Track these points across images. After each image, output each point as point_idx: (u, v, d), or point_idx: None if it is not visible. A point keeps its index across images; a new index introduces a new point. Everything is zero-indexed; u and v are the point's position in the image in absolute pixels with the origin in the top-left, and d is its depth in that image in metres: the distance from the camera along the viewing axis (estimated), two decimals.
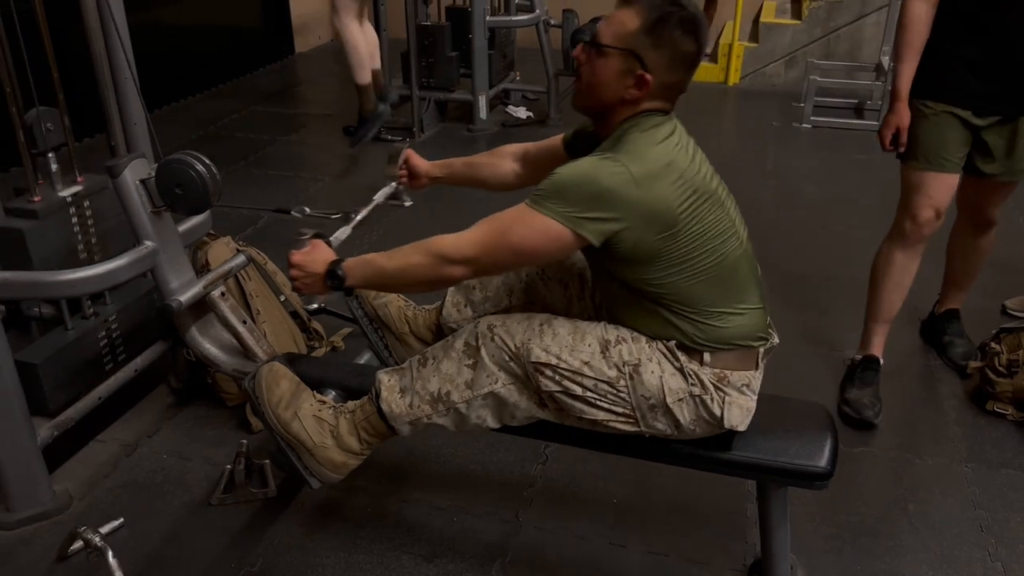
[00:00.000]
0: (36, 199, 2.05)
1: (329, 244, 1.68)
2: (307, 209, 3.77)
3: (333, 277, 1.60)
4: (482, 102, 4.96)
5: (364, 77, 4.38)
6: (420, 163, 1.98)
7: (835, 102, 5.45)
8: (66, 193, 2.12)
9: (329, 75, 6.64)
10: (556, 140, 1.86)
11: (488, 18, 4.83)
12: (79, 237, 2.14)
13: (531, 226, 1.45)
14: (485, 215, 1.52)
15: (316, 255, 1.64)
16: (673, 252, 1.47)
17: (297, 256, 1.64)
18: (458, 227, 1.53)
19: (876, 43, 5.78)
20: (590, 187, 1.42)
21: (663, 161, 1.46)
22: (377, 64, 4.50)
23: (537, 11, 4.97)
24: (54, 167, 2.09)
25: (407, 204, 2.07)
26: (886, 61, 5.14)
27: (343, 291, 1.64)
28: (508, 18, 5.16)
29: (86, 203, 2.16)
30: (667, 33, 1.46)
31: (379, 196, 1.85)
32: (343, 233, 1.68)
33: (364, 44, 4.26)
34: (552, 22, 5.08)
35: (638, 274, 1.50)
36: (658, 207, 1.43)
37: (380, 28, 4.94)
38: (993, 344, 2.50)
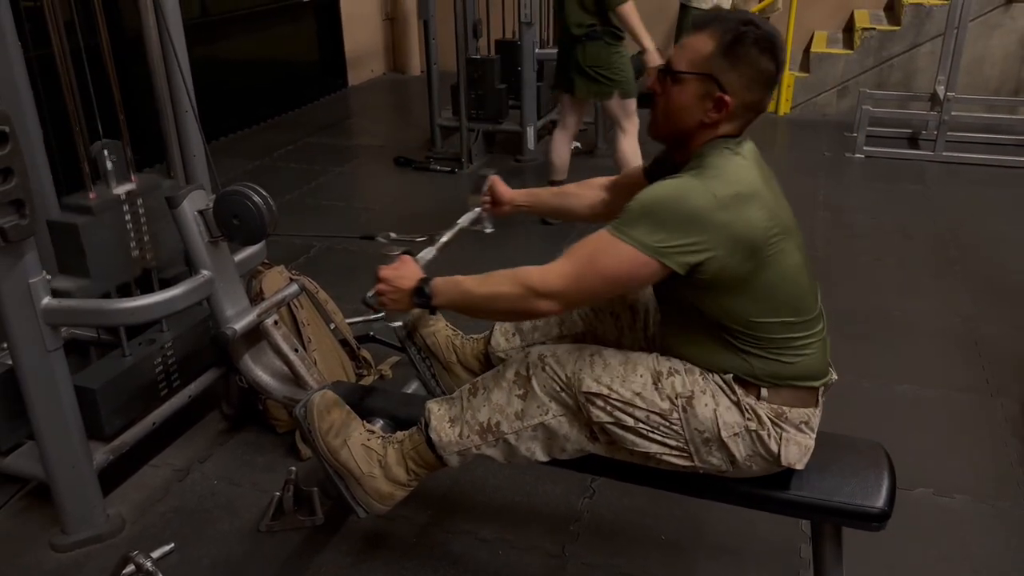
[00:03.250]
0: (92, 196, 2.10)
1: (416, 262, 1.69)
2: (392, 234, 3.71)
3: (420, 294, 1.59)
4: (530, 133, 4.99)
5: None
6: (505, 191, 1.98)
7: (889, 132, 5.37)
8: (120, 191, 2.16)
9: (381, 107, 6.77)
10: (638, 169, 1.83)
11: (537, 51, 4.87)
12: (132, 235, 2.19)
13: (618, 256, 1.41)
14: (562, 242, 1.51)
15: (405, 271, 1.63)
16: (755, 282, 1.44)
17: (386, 271, 1.63)
18: (541, 255, 1.53)
19: (930, 73, 5.69)
20: (675, 208, 1.39)
21: (749, 187, 1.44)
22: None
23: None
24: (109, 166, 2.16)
25: (488, 231, 2.00)
26: (941, 91, 5.05)
27: (428, 309, 1.64)
28: (557, 51, 5.19)
29: (139, 201, 2.19)
30: (743, 53, 1.44)
31: (463, 220, 1.88)
32: (428, 254, 1.70)
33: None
34: None
35: (716, 302, 1.46)
36: (744, 232, 1.40)
37: (431, 62, 5.03)
38: None
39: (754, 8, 5.96)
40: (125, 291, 2.20)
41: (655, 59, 3.60)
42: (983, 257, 3.68)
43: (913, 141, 5.38)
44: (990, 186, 4.62)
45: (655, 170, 1.75)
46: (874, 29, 5.87)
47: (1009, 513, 2.17)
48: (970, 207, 4.28)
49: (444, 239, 1.81)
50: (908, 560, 2.02)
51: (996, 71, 5.80)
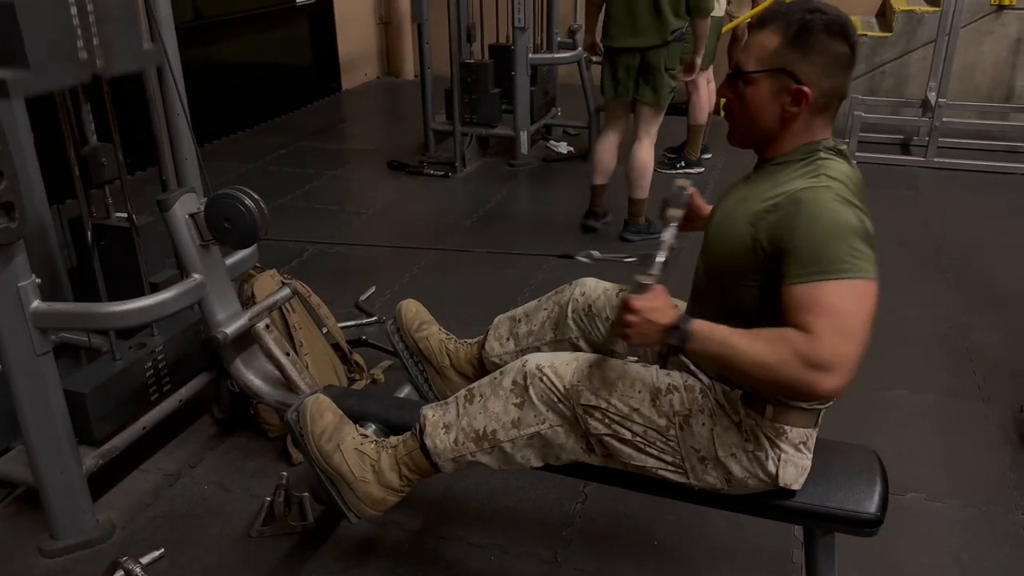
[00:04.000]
0: None
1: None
2: (596, 253, 3.47)
3: (678, 334, 1.39)
4: (524, 137, 5.00)
5: (599, 181, 4.09)
6: (704, 206, 1.80)
7: (880, 138, 5.39)
8: None
9: (374, 111, 6.76)
10: None
11: (531, 56, 4.88)
12: (78, 31, 1.89)
13: (867, 295, 1.32)
14: None
15: (661, 305, 1.42)
16: None
17: (640, 302, 1.40)
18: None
19: (922, 79, 5.72)
20: (856, 231, 1.34)
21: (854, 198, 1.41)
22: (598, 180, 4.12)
23: (579, 48, 5.01)
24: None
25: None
26: (933, 97, 5.08)
27: (675, 351, 1.48)
28: (550, 55, 5.21)
29: None
30: (814, 41, 1.41)
31: (668, 237, 1.69)
32: (647, 279, 1.50)
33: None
34: (594, 59, 5.12)
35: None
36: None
37: (424, 66, 5.03)
38: None
39: (747, 13, 5.98)
40: (74, 98, 2.08)
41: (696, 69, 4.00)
42: (975, 263, 3.70)
43: (905, 147, 5.40)
44: (981, 192, 4.64)
45: None
46: (866, 35, 5.89)
47: (1000, 518, 2.18)
48: (962, 213, 4.30)
49: (661, 259, 1.60)
50: (900, 565, 2.02)
51: (987, 77, 5.83)
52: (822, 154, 1.46)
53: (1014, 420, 2.56)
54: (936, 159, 5.03)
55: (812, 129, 1.48)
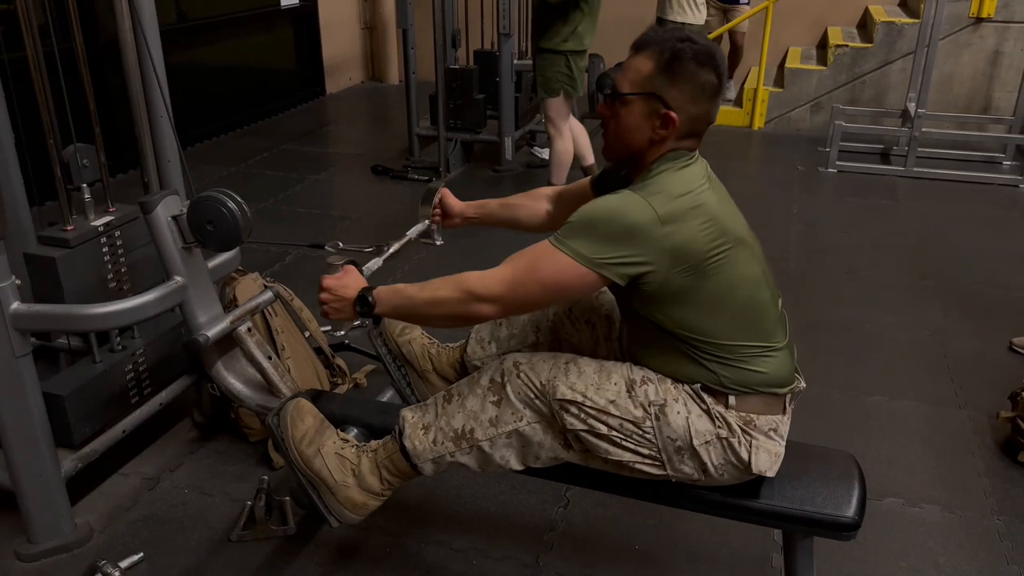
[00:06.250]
0: (69, 228, 2.07)
1: (361, 273, 1.70)
2: (340, 243, 3.80)
3: (363, 303, 1.60)
4: (508, 143, 5.01)
5: (561, 180, 4.24)
6: (455, 203, 2.00)
7: (861, 147, 5.46)
8: (99, 223, 2.13)
9: (358, 116, 6.76)
10: (585, 181, 1.88)
11: (515, 61, 4.90)
12: (109, 266, 2.16)
13: (556, 265, 1.46)
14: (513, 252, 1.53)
15: (347, 280, 1.64)
16: (702, 293, 1.47)
17: (329, 280, 1.64)
18: (487, 264, 1.54)
19: (902, 90, 5.80)
20: (615, 223, 1.43)
21: (692, 202, 1.47)
22: (590, 159, 4.36)
23: None
24: (87, 198, 2.11)
25: (438, 243, 2.08)
26: (912, 107, 5.14)
27: (370, 318, 1.65)
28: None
29: (117, 233, 2.17)
30: (682, 69, 1.48)
31: (412, 232, 1.89)
32: (374, 264, 1.70)
33: (570, 153, 4.25)
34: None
35: (666, 314, 1.50)
36: (685, 247, 1.43)
37: (409, 71, 5.03)
38: None
39: (725, 26, 6.04)
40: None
41: None
42: (953, 271, 3.74)
43: (885, 156, 5.46)
44: (960, 202, 4.70)
45: (602, 182, 1.79)
46: (847, 46, 5.96)
47: (976, 523, 2.20)
48: (940, 222, 4.35)
49: (392, 249, 1.82)
50: (878, 569, 2.04)
51: (965, 89, 5.91)
52: (654, 173, 1.52)
53: (991, 426, 2.59)
54: (915, 168, 5.09)
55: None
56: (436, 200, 1.99)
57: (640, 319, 1.55)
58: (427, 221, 1.99)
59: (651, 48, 1.50)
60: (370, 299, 1.60)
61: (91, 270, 2.11)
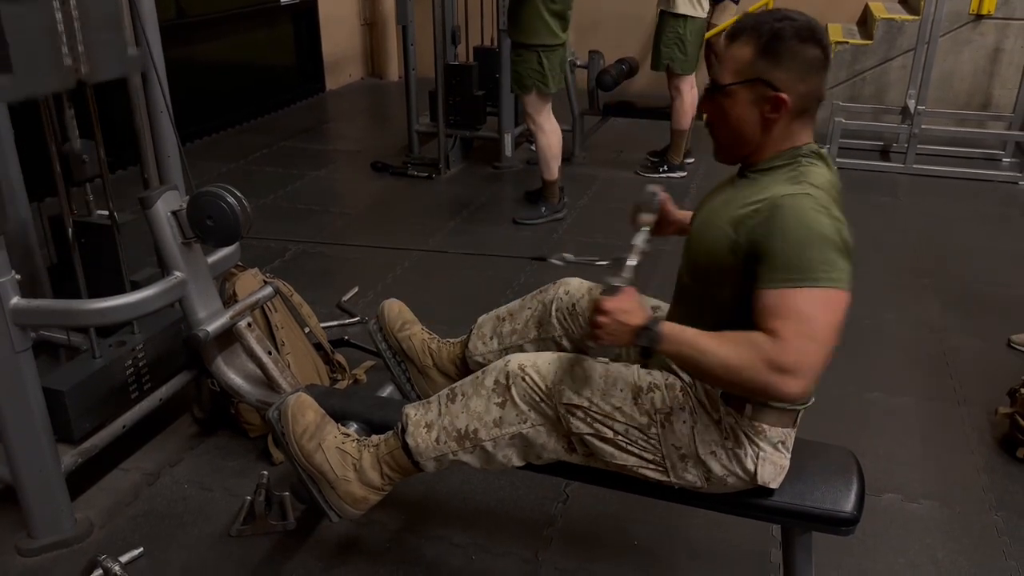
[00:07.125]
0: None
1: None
2: (568, 255, 3.48)
3: (648, 335, 1.41)
4: (508, 140, 5.01)
5: (552, 174, 4.28)
6: (675, 211, 1.84)
7: (861, 144, 5.45)
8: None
9: (358, 112, 6.75)
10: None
11: None
12: (63, 37, 1.89)
13: (833, 302, 1.34)
14: None
15: (632, 306, 1.44)
16: None
17: (611, 303, 1.43)
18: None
19: (902, 87, 5.79)
20: (838, 236, 1.38)
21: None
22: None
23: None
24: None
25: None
26: (912, 104, 5.14)
27: (644, 352, 1.53)
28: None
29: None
30: (785, 48, 1.43)
31: (639, 242, 1.69)
32: (619, 281, 1.52)
33: (559, 143, 4.23)
34: (578, 63, 5.13)
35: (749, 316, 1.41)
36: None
37: (409, 67, 5.03)
38: (1023, 389, 2.45)
39: (728, 21, 6.02)
40: (56, 96, 2.04)
41: None
42: (952, 269, 3.74)
43: (884, 153, 5.46)
44: (959, 199, 4.70)
45: None
46: (847, 43, 5.95)
47: (974, 519, 2.21)
48: (940, 219, 4.35)
49: (633, 263, 1.62)
50: (876, 564, 2.04)
51: (965, 86, 5.90)
52: (804, 160, 1.49)
53: (989, 422, 2.60)
54: (915, 165, 5.09)
55: (793, 133, 1.51)
56: (656, 205, 1.78)
57: (722, 306, 1.49)
58: (646, 229, 1.76)
59: (747, 33, 1.46)
60: (655, 331, 1.41)
61: None
